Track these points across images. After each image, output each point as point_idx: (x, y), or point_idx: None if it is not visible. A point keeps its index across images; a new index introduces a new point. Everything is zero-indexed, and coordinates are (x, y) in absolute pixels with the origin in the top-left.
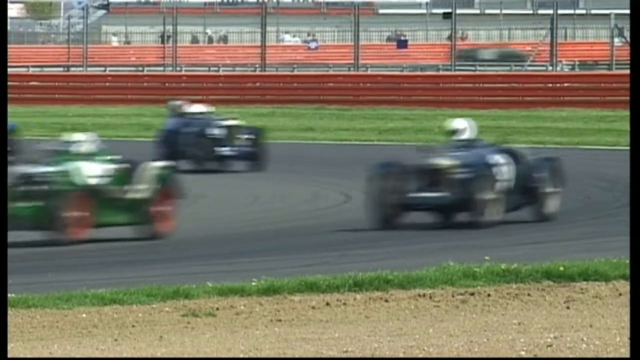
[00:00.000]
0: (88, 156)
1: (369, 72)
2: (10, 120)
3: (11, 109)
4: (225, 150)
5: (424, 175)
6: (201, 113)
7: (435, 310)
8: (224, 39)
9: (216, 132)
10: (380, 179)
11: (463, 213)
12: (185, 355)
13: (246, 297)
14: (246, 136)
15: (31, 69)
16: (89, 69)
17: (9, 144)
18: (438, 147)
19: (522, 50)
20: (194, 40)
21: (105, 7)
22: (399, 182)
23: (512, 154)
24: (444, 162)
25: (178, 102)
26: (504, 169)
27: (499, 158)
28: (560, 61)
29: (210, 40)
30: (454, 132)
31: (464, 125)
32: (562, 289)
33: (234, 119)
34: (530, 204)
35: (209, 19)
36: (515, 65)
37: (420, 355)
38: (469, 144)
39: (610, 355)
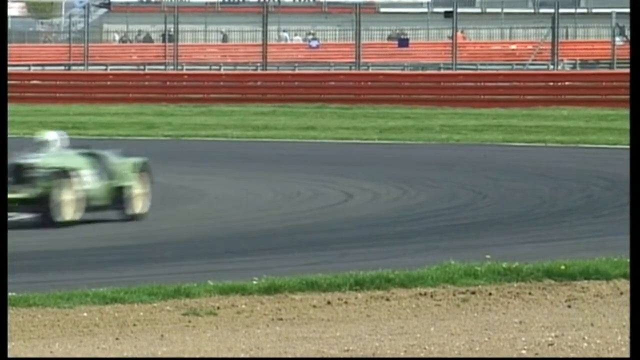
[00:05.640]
0: None
1: (370, 71)
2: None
3: (12, 107)
4: None
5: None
6: None
7: (437, 309)
8: (225, 38)
9: None
10: None
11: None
12: (186, 354)
13: (247, 296)
14: None
15: (32, 68)
16: (90, 67)
17: None
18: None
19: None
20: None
21: (107, 5)
22: None
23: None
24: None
25: None
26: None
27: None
28: (562, 60)
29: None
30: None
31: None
32: (563, 288)
33: None
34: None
35: (210, 18)
36: (517, 64)
37: (422, 354)
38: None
39: (611, 355)
